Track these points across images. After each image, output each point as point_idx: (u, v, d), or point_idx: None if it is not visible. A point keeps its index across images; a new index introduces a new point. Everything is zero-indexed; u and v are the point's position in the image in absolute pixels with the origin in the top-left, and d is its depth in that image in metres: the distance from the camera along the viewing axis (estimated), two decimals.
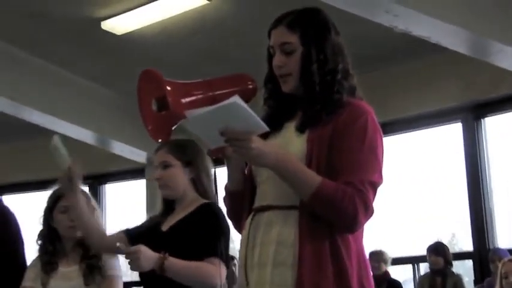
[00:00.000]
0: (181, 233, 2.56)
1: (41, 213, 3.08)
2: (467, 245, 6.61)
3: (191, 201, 2.65)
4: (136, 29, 6.28)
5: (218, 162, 2.24)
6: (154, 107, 1.97)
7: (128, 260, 2.45)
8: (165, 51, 6.73)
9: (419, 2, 4.61)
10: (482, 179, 6.41)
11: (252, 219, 1.97)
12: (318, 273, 1.83)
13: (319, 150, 1.89)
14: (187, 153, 2.67)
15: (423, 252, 6.26)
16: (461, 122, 6.54)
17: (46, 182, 10.04)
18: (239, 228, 2.08)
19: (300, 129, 1.95)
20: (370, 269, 1.98)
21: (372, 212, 1.88)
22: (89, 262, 2.96)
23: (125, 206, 9.00)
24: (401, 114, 6.58)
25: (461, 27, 4.82)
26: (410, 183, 7.10)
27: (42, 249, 3.04)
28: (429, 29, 4.86)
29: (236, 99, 1.77)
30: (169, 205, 2.74)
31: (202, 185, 2.67)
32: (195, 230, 2.53)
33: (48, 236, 3.04)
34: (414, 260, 6.91)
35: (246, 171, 2.07)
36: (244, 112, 1.78)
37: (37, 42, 6.75)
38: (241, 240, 2.01)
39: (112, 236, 2.74)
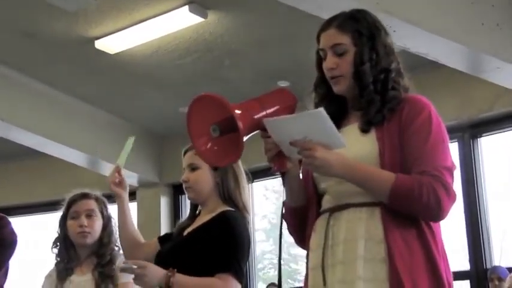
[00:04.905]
0: (197, 242, 2.49)
1: (57, 220, 3.12)
2: (464, 265, 6.56)
3: (214, 207, 2.57)
4: (130, 48, 6.23)
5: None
6: (215, 133, 1.88)
7: (133, 275, 2.40)
8: (158, 71, 6.69)
9: (418, 17, 4.60)
10: (478, 198, 6.39)
11: (328, 218, 1.95)
12: (410, 266, 1.84)
13: (391, 147, 1.90)
14: None
15: None
16: (458, 141, 6.51)
17: (34, 206, 9.91)
18: (302, 243, 2.07)
19: (365, 129, 1.94)
20: None
21: (455, 195, 1.88)
22: (101, 271, 2.95)
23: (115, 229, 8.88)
24: None
25: (460, 43, 4.80)
26: None
27: (57, 256, 3.07)
28: (427, 46, 4.84)
29: (321, 109, 1.81)
30: (196, 208, 2.70)
31: (227, 190, 2.58)
32: (210, 240, 2.45)
33: (63, 243, 3.07)
34: None
35: (306, 183, 2.05)
36: (326, 124, 1.81)
37: (29, 62, 6.69)
38: (314, 242, 1.99)
39: (148, 243, 2.74)
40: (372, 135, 1.93)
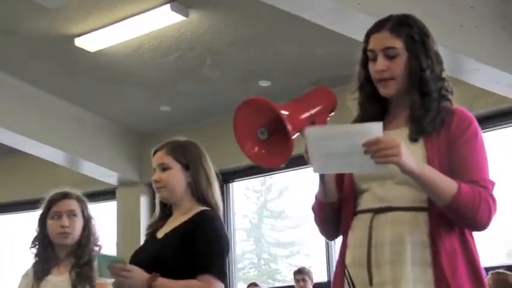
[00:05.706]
0: (178, 244, 2.46)
1: (36, 220, 3.07)
2: None
3: (189, 207, 2.55)
4: (111, 46, 6.21)
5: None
6: (263, 136, 1.92)
7: (118, 279, 2.37)
8: (139, 69, 6.67)
9: None
10: None
11: (371, 219, 1.98)
12: (455, 271, 1.90)
13: (439, 157, 1.95)
14: (187, 156, 2.58)
15: None
16: None
17: (12, 205, 9.81)
18: (327, 235, 2.15)
19: (415, 139, 1.98)
20: None
21: (496, 209, 1.96)
22: (79, 271, 2.91)
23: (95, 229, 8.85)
24: None
25: (439, 44, 4.81)
26: None
27: (35, 256, 3.03)
28: None
29: (379, 124, 1.82)
30: (167, 208, 2.65)
31: (200, 189, 2.56)
32: (189, 242, 2.43)
33: (42, 242, 3.02)
34: None
35: (339, 183, 2.09)
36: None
37: (8, 59, 6.64)
38: (353, 240, 2.02)
39: None
40: (420, 144, 1.97)
